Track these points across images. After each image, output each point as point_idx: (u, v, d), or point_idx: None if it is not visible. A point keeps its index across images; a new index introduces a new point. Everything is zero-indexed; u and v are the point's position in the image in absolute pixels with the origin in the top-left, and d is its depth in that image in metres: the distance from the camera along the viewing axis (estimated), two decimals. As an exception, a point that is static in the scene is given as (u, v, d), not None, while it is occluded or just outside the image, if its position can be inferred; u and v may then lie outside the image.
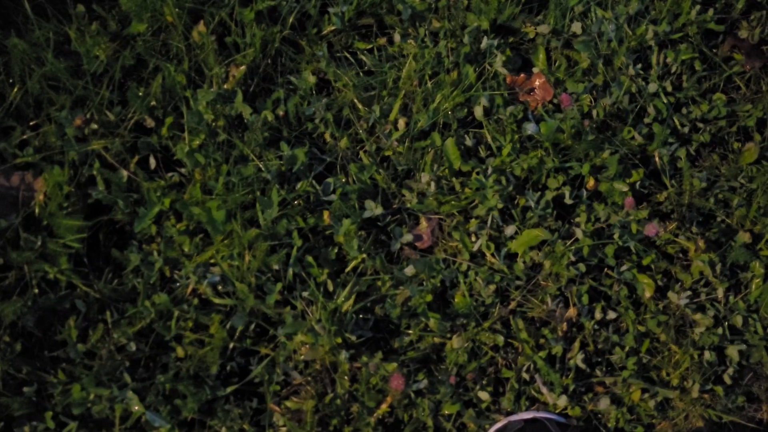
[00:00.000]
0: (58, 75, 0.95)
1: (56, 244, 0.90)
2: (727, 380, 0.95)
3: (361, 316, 0.93)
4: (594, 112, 1.01)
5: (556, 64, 1.04)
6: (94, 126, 0.94)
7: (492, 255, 0.95)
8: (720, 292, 0.97)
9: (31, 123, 0.95)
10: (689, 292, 0.96)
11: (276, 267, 0.92)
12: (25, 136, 0.94)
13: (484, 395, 0.91)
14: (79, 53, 0.96)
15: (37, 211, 0.92)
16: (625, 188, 0.97)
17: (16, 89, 0.95)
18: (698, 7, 1.05)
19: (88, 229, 0.92)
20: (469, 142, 0.99)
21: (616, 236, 0.96)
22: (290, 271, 0.91)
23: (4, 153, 0.93)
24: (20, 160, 0.93)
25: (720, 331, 0.96)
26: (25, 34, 0.96)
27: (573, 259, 0.95)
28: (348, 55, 1.03)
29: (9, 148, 0.93)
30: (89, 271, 0.92)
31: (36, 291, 0.89)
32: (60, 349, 0.89)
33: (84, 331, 0.90)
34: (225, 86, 0.98)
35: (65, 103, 0.95)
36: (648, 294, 0.96)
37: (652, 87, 1.02)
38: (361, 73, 1.02)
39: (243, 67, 0.98)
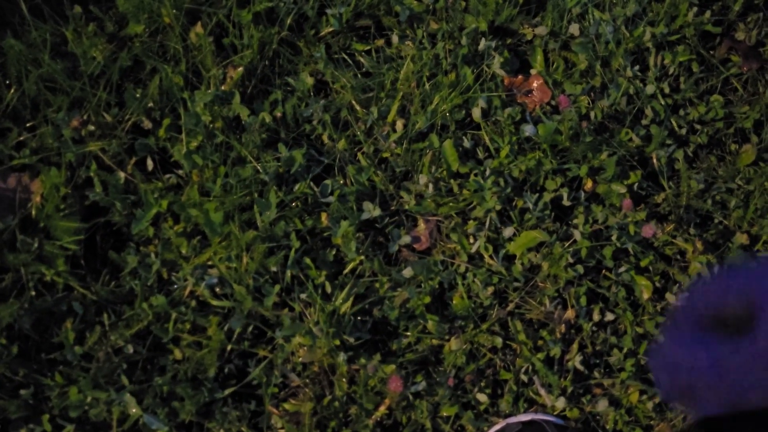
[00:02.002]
0: (55, 76, 0.94)
1: (53, 246, 0.90)
2: (725, 381, 0.95)
3: (359, 317, 0.92)
4: (592, 114, 1.02)
5: (554, 66, 1.04)
6: (91, 127, 0.94)
7: (490, 257, 0.95)
8: (718, 294, 0.97)
9: (27, 124, 0.95)
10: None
11: (274, 269, 0.91)
12: (21, 138, 0.94)
13: (482, 397, 0.91)
14: (76, 54, 0.96)
15: (33, 212, 0.91)
16: (623, 190, 0.97)
17: (12, 90, 0.94)
18: (695, 9, 1.05)
19: (85, 231, 0.92)
20: (467, 143, 0.99)
21: (614, 238, 0.96)
22: (288, 272, 0.91)
23: (0, 155, 0.93)
24: (17, 162, 0.93)
25: (718, 332, 0.96)
26: (22, 36, 0.96)
27: (571, 260, 0.95)
28: (346, 57, 1.03)
29: (6, 149, 0.93)
30: (86, 273, 0.92)
31: (33, 293, 0.89)
32: (57, 352, 0.88)
33: (81, 334, 0.89)
34: (222, 88, 0.98)
35: (62, 104, 0.94)
36: (646, 295, 0.96)
37: (650, 89, 1.02)
38: (359, 75, 1.02)
39: (240, 69, 0.98)
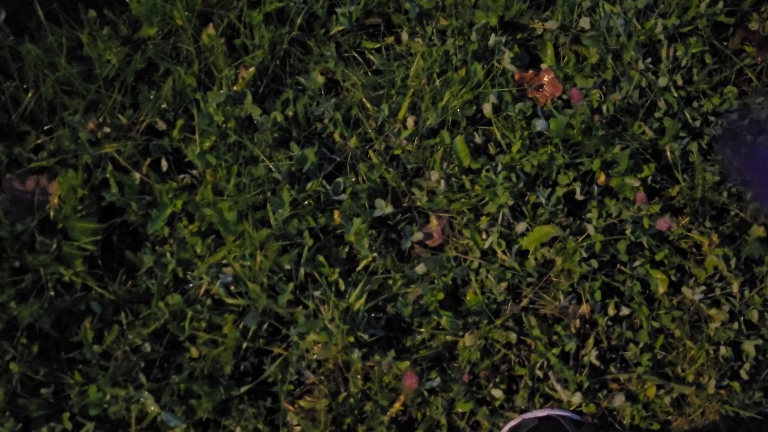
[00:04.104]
0: (71, 80, 0.96)
1: (71, 246, 0.91)
2: (744, 376, 0.94)
3: (372, 314, 0.93)
4: (604, 108, 1.01)
5: (565, 60, 1.04)
6: (107, 129, 0.96)
7: (503, 252, 0.95)
8: (735, 287, 0.96)
9: (45, 127, 0.96)
10: (704, 287, 0.95)
11: (288, 267, 0.92)
12: (39, 141, 0.95)
13: (497, 393, 0.91)
14: (92, 58, 0.97)
15: (52, 214, 0.93)
16: (637, 183, 0.96)
17: (30, 94, 0.96)
18: (708, -1, 1.05)
19: (102, 232, 0.93)
20: (478, 139, 0.99)
21: (628, 232, 0.96)
22: (302, 270, 0.92)
23: (19, 157, 0.95)
24: (35, 165, 0.94)
25: (735, 326, 0.95)
26: (39, 40, 0.98)
27: (585, 255, 0.95)
28: (356, 55, 1.03)
29: (24, 152, 0.94)
30: (104, 273, 0.93)
31: (52, 293, 0.90)
32: (76, 351, 0.90)
33: (99, 333, 0.91)
34: (234, 88, 0.99)
35: (78, 107, 0.96)
36: (662, 289, 0.95)
37: (663, 81, 1.01)
38: (369, 73, 1.02)
39: (252, 69, 0.99)
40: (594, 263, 0.95)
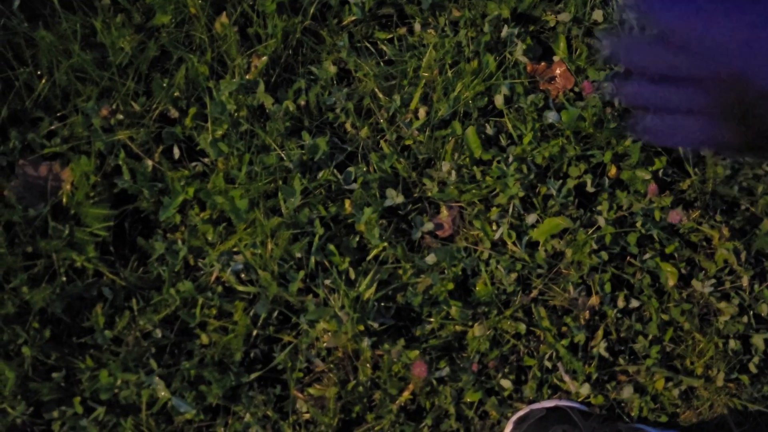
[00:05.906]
0: (85, 67, 0.96)
1: (83, 232, 0.92)
2: (753, 369, 0.94)
3: (382, 303, 0.93)
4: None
5: (577, 53, 1.04)
6: (120, 116, 0.96)
7: (513, 243, 0.95)
8: (745, 281, 0.96)
9: (58, 114, 0.97)
10: (713, 281, 0.95)
11: (298, 255, 0.92)
12: (52, 127, 0.96)
13: (506, 383, 0.91)
14: (105, 45, 0.98)
15: (64, 200, 0.93)
16: (648, 176, 0.96)
17: (44, 81, 0.96)
18: (721, -7, 1.04)
19: (114, 218, 0.94)
20: (489, 130, 0.99)
21: (638, 224, 0.96)
22: (312, 259, 0.92)
23: (32, 143, 0.95)
24: (48, 151, 0.95)
25: (745, 319, 0.95)
26: (53, 27, 0.98)
27: (595, 247, 0.95)
28: (368, 45, 1.03)
29: (37, 138, 0.95)
30: (115, 260, 0.94)
31: (64, 279, 0.91)
32: (88, 336, 0.90)
33: (111, 318, 0.91)
34: (247, 77, 0.99)
35: (92, 94, 0.96)
36: (671, 282, 0.95)
37: (675, 74, 1.01)
38: (381, 63, 1.02)
39: (265, 58, 0.99)
40: (604, 255, 0.95)
